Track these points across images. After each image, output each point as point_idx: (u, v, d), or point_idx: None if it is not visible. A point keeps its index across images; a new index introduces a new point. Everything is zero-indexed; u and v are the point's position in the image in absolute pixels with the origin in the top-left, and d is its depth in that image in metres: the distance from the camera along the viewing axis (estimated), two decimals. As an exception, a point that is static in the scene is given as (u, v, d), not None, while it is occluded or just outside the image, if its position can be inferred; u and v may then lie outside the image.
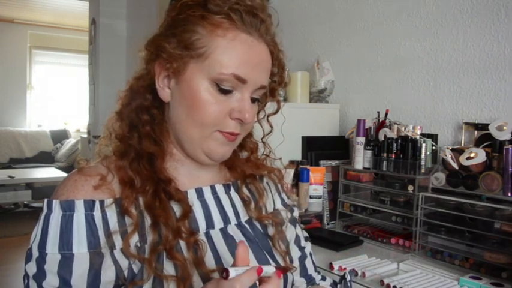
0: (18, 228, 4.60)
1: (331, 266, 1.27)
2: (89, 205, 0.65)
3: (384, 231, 1.56)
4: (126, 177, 0.69)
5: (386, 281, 1.14)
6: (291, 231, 0.87)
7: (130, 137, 0.72)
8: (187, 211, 0.70)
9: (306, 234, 0.92)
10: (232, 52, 0.68)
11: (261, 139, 0.86)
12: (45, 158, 6.36)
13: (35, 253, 0.63)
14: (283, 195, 0.90)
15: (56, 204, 0.65)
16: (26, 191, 5.08)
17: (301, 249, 0.88)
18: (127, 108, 0.74)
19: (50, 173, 5.41)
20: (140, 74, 0.75)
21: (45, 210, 0.65)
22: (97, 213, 0.65)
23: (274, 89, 0.80)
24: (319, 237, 1.51)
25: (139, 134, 0.72)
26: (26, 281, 0.64)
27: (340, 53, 2.04)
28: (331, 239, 1.51)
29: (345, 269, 1.24)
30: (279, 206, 0.88)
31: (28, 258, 0.64)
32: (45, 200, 0.66)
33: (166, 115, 0.75)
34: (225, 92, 0.69)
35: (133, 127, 0.73)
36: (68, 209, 0.64)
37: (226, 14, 0.67)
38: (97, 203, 0.66)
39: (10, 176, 4.93)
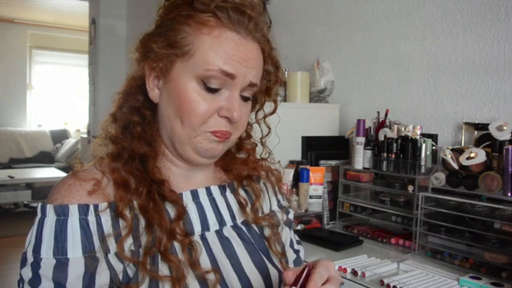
0: (18, 228, 4.60)
1: (331, 266, 1.26)
2: (83, 210, 0.65)
3: (384, 231, 1.56)
4: (120, 178, 0.69)
5: (386, 281, 1.14)
6: (286, 233, 0.87)
7: (124, 139, 0.72)
8: (182, 212, 0.70)
9: (298, 238, 0.92)
10: (218, 48, 0.67)
11: (260, 140, 0.85)
12: (45, 158, 6.36)
13: (30, 258, 0.63)
14: (280, 197, 0.90)
15: (50, 209, 0.64)
16: (26, 191, 5.08)
17: (296, 252, 0.88)
18: (120, 111, 0.74)
19: (50, 173, 5.41)
20: (132, 76, 0.75)
21: (39, 214, 0.65)
22: (91, 218, 0.65)
23: (270, 89, 0.79)
24: (319, 237, 1.51)
25: (131, 135, 0.72)
26: (21, 286, 0.63)
27: (340, 53, 2.04)
28: (331, 239, 1.51)
29: (345, 269, 1.24)
30: (275, 207, 0.87)
31: (23, 263, 0.64)
32: (39, 204, 0.66)
33: (157, 116, 0.74)
34: (212, 90, 0.68)
35: (125, 128, 0.73)
36: (62, 213, 0.64)
37: (212, 13, 0.67)
38: (91, 208, 0.65)
39: (10, 176, 4.93)
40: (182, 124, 0.69)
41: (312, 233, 1.55)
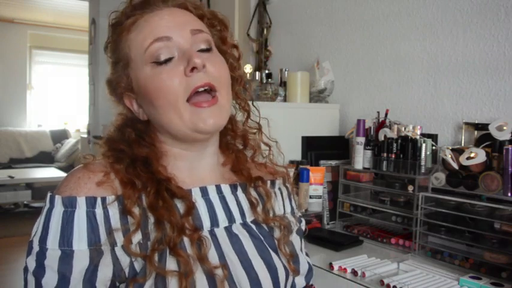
0: (18, 228, 4.60)
1: (331, 266, 1.27)
2: (91, 202, 0.65)
3: (384, 231, 1.56)
4: (126, 178, 0.69)
5: (386, 281, 1.14)
6: (297, 241, 0.87)
7: (120, 143, 0.74)
8: (190, 207, 0.70)
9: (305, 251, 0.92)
10: (143, 30, 0.71)
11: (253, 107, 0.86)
12: (45, 158, 6.35)
13: (36, 247, 0.64)
14: (293, 204, 0.90)
15: (58, 200, 0.65)
16: (26, 191, 5.08)
17: (309, 264, 0.88)
18: (112, 135, 0.77)
19: (50, 173, 5.41)
20: (119, 113, 0.80)
21: (47, 204, 0.66)
22: (98, 210, 0.65)
23: (223, 37, 0.81)
24: (319, 237, 1.51)
25: (128, 143, 0.74)
26: (25, 275, 0.64)
27: (340, 53, 2.04)
28: (331, 239, 1.51)
29: (345, 269, 1.24)
30: (288, 213, 0.88)
31: (29, 251, 0.65)
32: (48, 194, 0.67)
33: (151, 123, 0.77)
34: (165, 61, 0.70)
35: (121, 138, 0.75)
36: (69, 205, 0.64)
37: (125, 17, 0.74)
38: (99, 200, 0.66)
39: (10, 176, 4.93)
40: (164, 109, 0.70)
41: (312, 233, 1.54)
